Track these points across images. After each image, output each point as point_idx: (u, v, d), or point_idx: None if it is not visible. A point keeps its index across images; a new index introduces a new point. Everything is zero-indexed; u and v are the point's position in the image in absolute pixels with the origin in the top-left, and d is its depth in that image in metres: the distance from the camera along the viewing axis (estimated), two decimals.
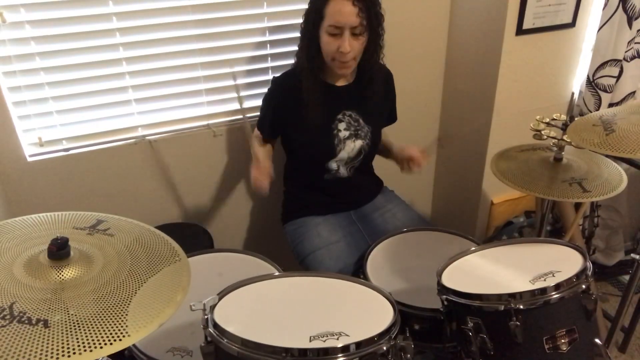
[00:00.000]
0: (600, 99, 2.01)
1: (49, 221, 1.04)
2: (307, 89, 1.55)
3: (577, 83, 2.10)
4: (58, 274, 0.87)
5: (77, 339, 0.76)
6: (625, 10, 1.86)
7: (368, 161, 1.75)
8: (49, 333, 0.76)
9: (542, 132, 1.58)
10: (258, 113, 1.71)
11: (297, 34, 1.57)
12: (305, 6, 1.51)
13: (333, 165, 1.65)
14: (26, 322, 0.78)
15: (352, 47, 1.45)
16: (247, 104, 1.88)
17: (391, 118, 1.82)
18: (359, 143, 1.65)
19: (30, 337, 0.75)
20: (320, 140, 1.61)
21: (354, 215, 1.78)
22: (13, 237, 0.97)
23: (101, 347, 0.76)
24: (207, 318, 1.02)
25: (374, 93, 1.64)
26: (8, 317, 0.78)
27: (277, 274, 1.27)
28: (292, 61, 1.64)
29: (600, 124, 1.38)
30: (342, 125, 1.61)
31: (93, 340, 0.77)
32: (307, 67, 1.54)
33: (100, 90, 1.67)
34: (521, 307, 1.06)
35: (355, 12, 1.40)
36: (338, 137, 1.61)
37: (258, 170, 1.47)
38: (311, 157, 1.66)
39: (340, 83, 1.62)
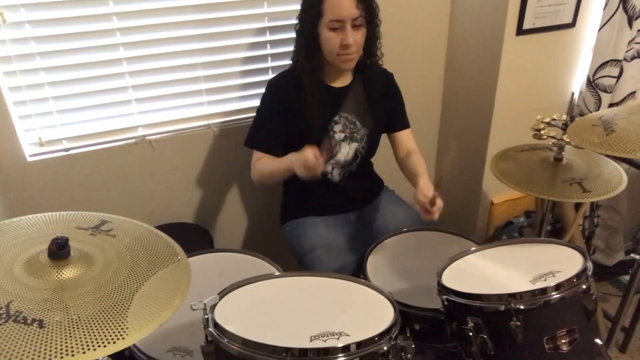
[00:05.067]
0: (600, 99, 2.01)
1: (52, 221, 1.04)
2: (309, 91, 1.53)
3: (577, 83, 2.10)
4: (58, 273, 0.87)
5: (76, 339, 0.76)
6: (625, 10, 1.86)
7: (365, 165, 1.72)
8: (43, 333, 0.76)
9: (542, 131, 1.58)
10: (255, 114, 1.66)
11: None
12: None
13: (327, 168, 1.61)
14: (21, 321, 0.77)
15: (355, 39, 1.45)
16: (247, 104, 1.88)
17: (400, 123, 1.73)
18: (354, 146, 1.62)
19: (24, 337, 0.75)
20: (316, 143, 1.57)
21: (353, 216, 1.77)
22: (16, 236, 0.97)
23: (94, 350, 0.76)
24: (208, 318, 1.02)
25: (371, 95, 1.62)
26: (4, 315, 0.78)
27: (277, 274, 1.27)
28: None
29: (600, 124, 1.39)
30: (337, 127, 1.59)
31: (92, 340, 0.77)
32: (308, 67, 1.52)
33: (101, 90, 1.67)
34: (521, 307, 1.06)
35: (354, 4, 1.40)
36: (334, 139, 1.59)
37: (311, 151, 1.37)
38: None
39: (338, 84, 1.61)
